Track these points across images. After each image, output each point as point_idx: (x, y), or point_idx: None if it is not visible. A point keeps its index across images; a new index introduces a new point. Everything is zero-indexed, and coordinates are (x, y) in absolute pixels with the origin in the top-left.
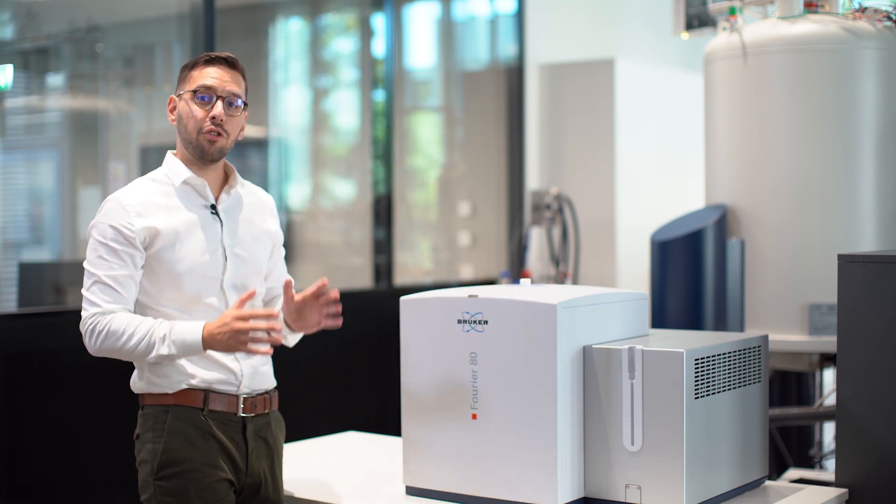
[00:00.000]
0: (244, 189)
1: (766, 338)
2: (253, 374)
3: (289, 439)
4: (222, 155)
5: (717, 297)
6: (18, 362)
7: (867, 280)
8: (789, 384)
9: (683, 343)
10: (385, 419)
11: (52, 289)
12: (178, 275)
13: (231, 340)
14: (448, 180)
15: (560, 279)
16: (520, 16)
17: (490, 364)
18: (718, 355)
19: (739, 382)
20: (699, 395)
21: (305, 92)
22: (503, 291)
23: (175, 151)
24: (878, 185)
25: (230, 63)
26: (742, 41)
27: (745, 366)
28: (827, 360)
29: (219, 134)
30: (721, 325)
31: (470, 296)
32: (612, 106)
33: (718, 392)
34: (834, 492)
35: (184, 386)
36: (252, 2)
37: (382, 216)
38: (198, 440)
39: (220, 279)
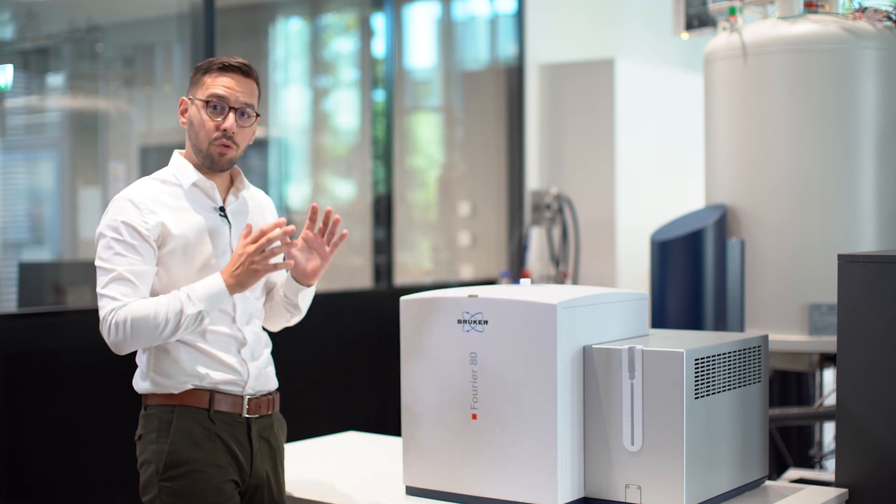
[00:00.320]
0: (247, 191)
1: (766, 338)
2: (258, 374)
3: (289, 439)
4: (231, 165)
5: (717, 297)
6: (18, 362)
7: (867, 280)
8: (789, 384)
9: (683, 343)
10: (385, 419)
11: (52, 289)
12: (188, 277)
13: (251, 267)
14: (448, 180)
15: (560, 279)
16: (520, 16)
17: (490, 364)
18: (718, 355)
19: (739, 382)
20: (699, 395)
21: (305, 92)
22: (503, 291)
23: (182, 151)
24: (878, 185)
25: (244, 71)
26: (742, 41)
27: (745, 366)
28: (827, 360)
29: (228, 146)
30: (721, 325)
31: (470, 296)
32: (612, 106)
33: (718, 392)
34: (834, 492)
35: (189, 386)
36: (252, 2)
37: (382, 216)
38: (203, 441)
39: None
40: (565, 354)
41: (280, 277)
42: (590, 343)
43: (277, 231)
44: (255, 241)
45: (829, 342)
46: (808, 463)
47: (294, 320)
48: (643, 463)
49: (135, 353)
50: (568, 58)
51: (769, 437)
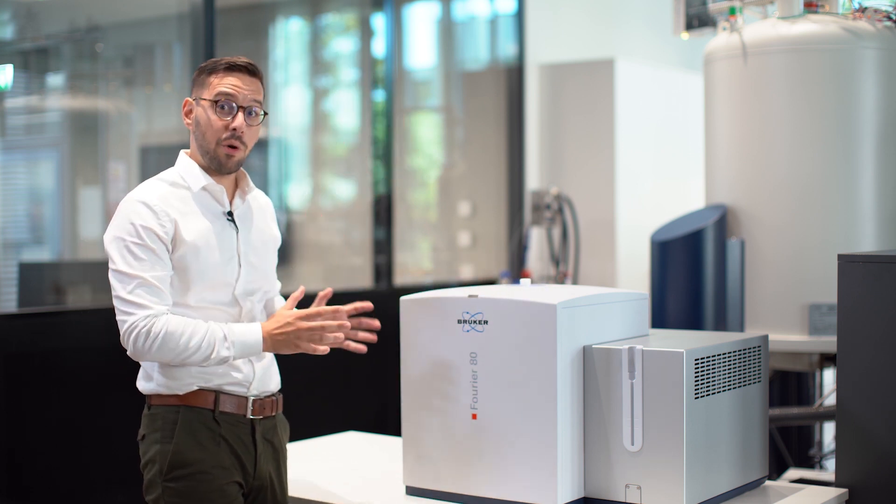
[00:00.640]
0: (251, 193)
1: (766, 338)
2: (262, 375)
3: (289, 439)
4: (239, 167)
5: (717, 297)
6: (18, 362)
7: (867, 280)
8: (789, 384)
9: (683, 343)
10: (385, 419)
11: (52, 289)
12: (196, 282)
13: (297, 340)
14: (448, 180)
15: (560, 279)
16: (520, 16)
17: (490, 364)
18: (718, 355)
19: (739, 382)
20: (699, 395)
21: (305, 92)
22: (503, 291)
23: (188, 151)
24: (878, 185)
25: (250, 71)
26: (742, 41)
27: (745, 366)
28: (827, 360)
29: (236, 147)
30: (721, 325)
31: (470, 296)
32: (612, 106)
33: (718, 392)
34: (834, 492)
35: (195, 387)
36: (252, 2)
37: (382, 216)
38: (208, 442)
39: (233, 286)
40: (565, 354)
41: (279, 299)
42: (590, 343)
43: (334, 322)
44: (308, 319)
45: (829, 342)
46: (808, 463)
47: None
48: (643, 463)
49: None
50: (568, 58)
51: (769, 437)
